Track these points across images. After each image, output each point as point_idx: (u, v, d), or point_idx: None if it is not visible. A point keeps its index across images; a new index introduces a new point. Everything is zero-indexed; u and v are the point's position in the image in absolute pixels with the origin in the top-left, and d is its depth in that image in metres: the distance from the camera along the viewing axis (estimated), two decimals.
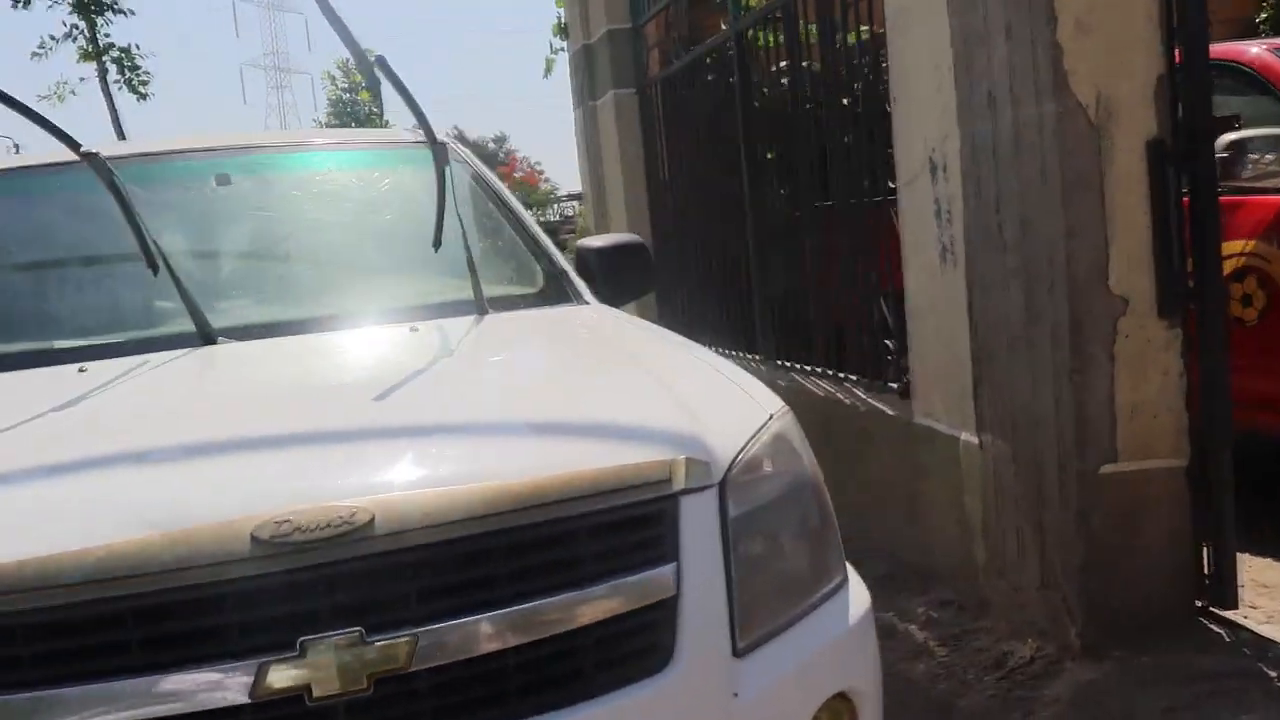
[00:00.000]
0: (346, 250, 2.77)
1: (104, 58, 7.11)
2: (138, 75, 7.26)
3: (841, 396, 4.35)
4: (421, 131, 3.26)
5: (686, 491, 1.64)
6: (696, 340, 2.43)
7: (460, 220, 2.40)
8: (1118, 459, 2.83)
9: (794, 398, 4.83)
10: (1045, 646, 3.02)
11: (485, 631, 1.48)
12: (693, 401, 1.85)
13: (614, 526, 1.60)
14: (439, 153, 2.33)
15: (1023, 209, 2.92)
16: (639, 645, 1.59)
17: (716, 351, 6.14)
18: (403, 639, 1.43)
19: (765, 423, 1.85)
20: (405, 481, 1.54)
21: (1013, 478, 3.13)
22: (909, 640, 3.42)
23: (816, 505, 1.88)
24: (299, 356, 2.18)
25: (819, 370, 4.68)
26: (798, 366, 4.91)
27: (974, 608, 3.43)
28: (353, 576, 1.45)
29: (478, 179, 3.01)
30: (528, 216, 2.97)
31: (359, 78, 5.76)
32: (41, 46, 7.08)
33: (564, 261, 2.87)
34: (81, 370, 2.08)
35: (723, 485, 1.69)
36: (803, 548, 1.85)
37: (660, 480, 1.62)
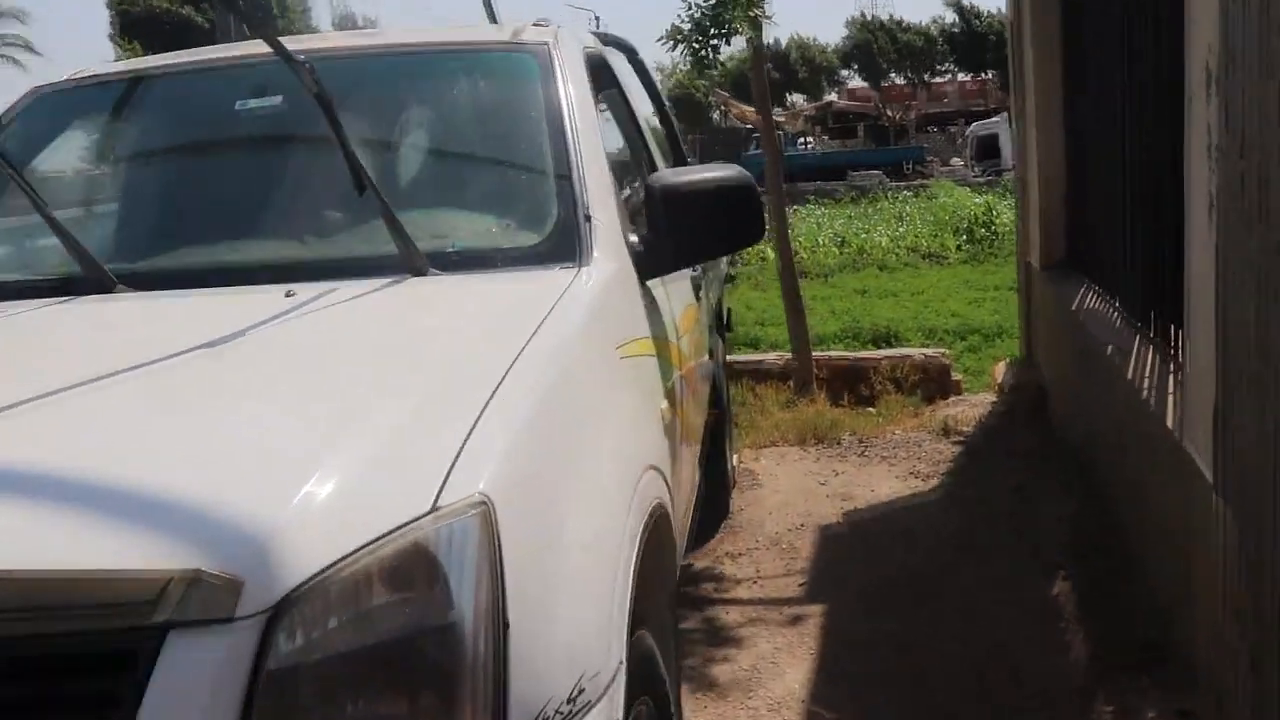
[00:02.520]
0: (339, 184, 2.38)
1: None
2: None
3: (1148, 388, 3.20)
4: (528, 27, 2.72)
5: (180, 624, 1.08)
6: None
7: (350, 157, 1.88)
8: None
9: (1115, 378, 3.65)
10: None
11: None
12: (343, 473, 1.22)
13: (35, 662, 1.09)
14: (304, 77, 1.82)
15: (1263, 159, 1.79)
16: None
17: (1102, 300, 4.92)
18: None
19: (405, 524, 1.17)
20: None
21: (1241, 572, 2.03)
22: None
23: (458, 662, 1.16)
24: (113, 324, 1.87)
25: (1158, 340, 3.47)
26: (1152, 335, 3.68)
27: None
28: None
29: (546, 90, 2.39)
30: (590, 141, 2.31)
31: None
32: None
33: (601, 206, 2.22)
34: None
35: (274, 615, 1.10)
36: None
37: (130, 602, 1.08)
